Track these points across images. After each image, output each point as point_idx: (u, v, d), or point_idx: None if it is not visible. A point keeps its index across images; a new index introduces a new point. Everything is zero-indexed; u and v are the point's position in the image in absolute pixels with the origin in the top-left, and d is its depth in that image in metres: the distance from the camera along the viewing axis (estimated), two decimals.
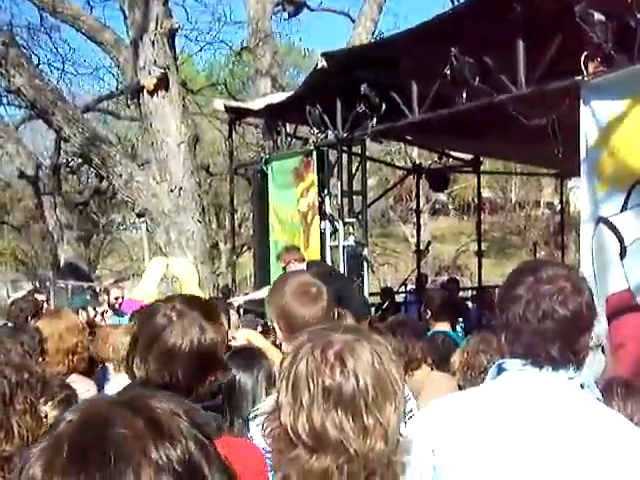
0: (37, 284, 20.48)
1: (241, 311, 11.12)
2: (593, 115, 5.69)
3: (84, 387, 4.07)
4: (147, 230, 12.14)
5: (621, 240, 5.48)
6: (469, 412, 2.28)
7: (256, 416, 3.09)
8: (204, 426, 1.10)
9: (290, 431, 1.82)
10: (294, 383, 1.84)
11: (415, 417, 2.41)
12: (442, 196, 35.96)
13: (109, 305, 9.85)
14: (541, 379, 2.22)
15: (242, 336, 5.07)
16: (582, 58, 5.61)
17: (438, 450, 2.23)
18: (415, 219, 16.78)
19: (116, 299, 9.92)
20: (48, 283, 18.51)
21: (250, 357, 3.57)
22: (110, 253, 35.14)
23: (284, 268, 9.16)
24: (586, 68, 5.64)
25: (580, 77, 5.69)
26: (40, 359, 4.21)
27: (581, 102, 5.76)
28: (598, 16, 5.41)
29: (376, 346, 1.90)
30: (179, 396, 2.33)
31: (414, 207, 18.78)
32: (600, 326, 5.34)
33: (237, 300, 7.85)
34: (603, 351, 5.41)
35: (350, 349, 1.86)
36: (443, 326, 7.02)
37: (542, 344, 2.21)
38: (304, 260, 9.29)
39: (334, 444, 1.78)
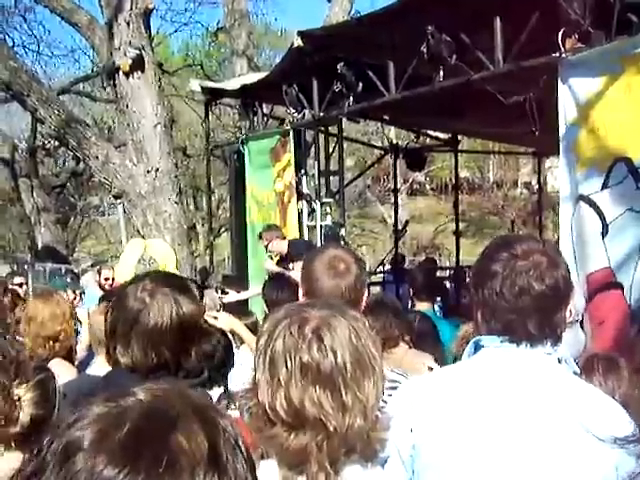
0: (15, 267, 20.35)
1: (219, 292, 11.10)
2: (571, 92, 5.66)
3: (63, 372, 4.02)
4: (124, 212, 12.06)
5: (602, 218, 5.46)
6: (447, 390, 2.27)
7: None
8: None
9: (268, 409, 1.81)
10: (271, 360, 1.83)
11: (396, 391, 2.39)
12: (420, 176, 35.95)
13: (99, 285, 9.83)
14: (519, 355, 2.21)
15: (226, 324, 5.06)
16: (559, 35, 5.58)
17: (416, 428, 2.22)
18: (393, 199, 16.75)
19: (106, 280, 9.89)
20: (26, 266, 18.39)
21: None
22: (88, 235, 34.95)
23: (266, 247, 9.17)
24: (564, 45, 5.61)
25: (557, 54, 5.67)
26: (16, 339, 4.16)
27: (559, 79, 5.74)
28: None
29: (353, 322, 1.89)
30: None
31: (392, 187, 18.76)
32: (578, 303, 5.37)
33: (229, 298, 7.80)
34: (582, 328, 5.43)
35: (327, 325, 1.85)
36: (424, 306, 7.04)
37: (519, 320, 2.19)
38: (285, 238, 9.29)
39: (312, 421, 1.78)
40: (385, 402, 1.99)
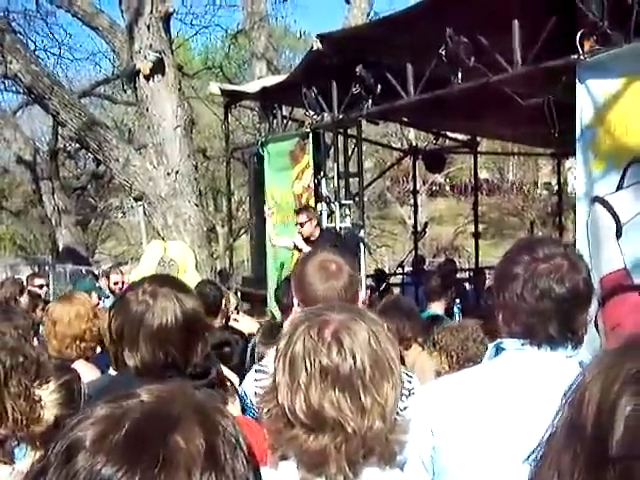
0: (36, 269, 20.50)
1: (239, 294, 11.15)
2: (589, 94, 5.67)
3: (86, 372, 4.06)
4: (144, 214, 12.12)
5: (617, 219, 5.47)
6: (468, 392, 2.28)
7: (258, 371, 3.11)
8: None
9: (288, 411, 1.82)
10: (291, 363, 1.84)
11: (415, 396, 2.41)
12: (439, 178, 35.90)
13: (109, 289, 9.88)
14: (540, 358, 2.22)
15: (247, 327, 5.11)
16: (578, 36, 5.58)
17: (437, 430, 2.24)
18: (412, 201, 16.74)
19: (115, 284, 9.94)
20: (47, 268, 18.53)
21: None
22: (108, 237, 35.17)
23: (301, 224, 9.10)
24: (582, 47, 5.62)
25: (576, 56, 5.67)
26: (35, 341, 4.20)
27: (577, 81, 5.75)
28: None
29: (372, 325, 1.91)
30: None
31: (411, 188, 18.74)
32: (595, 304, 5.36)
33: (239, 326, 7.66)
34: (597, 329, 5.41)
35: (347, 328, 1.86)
36: (438, 307, 7.07)
37: (540, 323, 2.20)
38: (319, 224, 9.28)
39: (332, 423, 1.79)
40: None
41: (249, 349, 5.16)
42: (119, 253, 33.10)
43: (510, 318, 2.27)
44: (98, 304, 9.33)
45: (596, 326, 5.39)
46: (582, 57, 5.65)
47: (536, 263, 2.22)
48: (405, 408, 2.02)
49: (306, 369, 1.81)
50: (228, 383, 2.94)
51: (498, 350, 2.31)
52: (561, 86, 5.99)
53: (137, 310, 2.52)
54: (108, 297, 10.17)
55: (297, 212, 9.41)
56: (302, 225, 9.07)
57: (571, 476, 1.03)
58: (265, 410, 1.90)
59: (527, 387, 2.20)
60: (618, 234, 5.45)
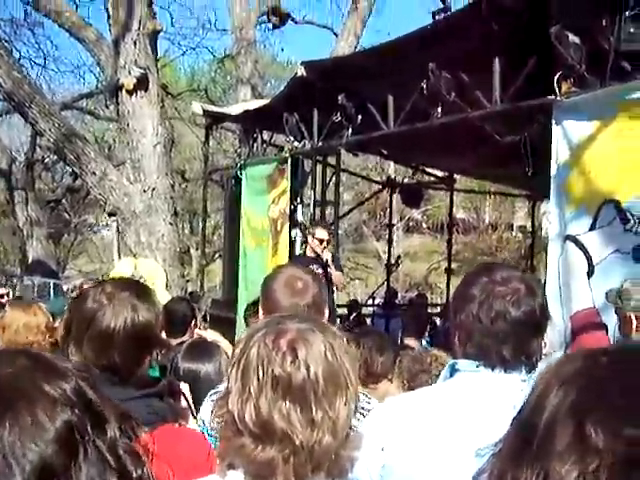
0: (3, 280, 20.30)
1: (207, 316, 11.11)
2: (564, 134, 5.75)
3: None
4: (117, 230, 12.07)
5: (589, 259, 5.53)
6: (421, 412, 2.28)
7: (213, 398, 3.09)
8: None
9: (237, 419, 1.80)
10: (244, 370, 1.82)
11: (368, 414, 2.40)
12: (416, 214, 36.04)
13: None
14: (493, 380, 2.23)
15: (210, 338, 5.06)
16: (555, 78, 5.67)
17: (388, 448, 2.23)
18: (388, 235, 16.79)
19: None
20: (15, 279, 18.36)
21: (210, 349, 3.57)
22: (80, 254, 34.88)
23: (320, 240, 8.92)
24: (559, 88, 5.70)
25: (553, 97, 5.75)
26: None
27: (553, 121, 5.83)
28: (572, 38, 5.48)
29: (330, 337, 1.88)
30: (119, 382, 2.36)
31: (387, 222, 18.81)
32: (559, 338, 5.41)
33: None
34: None
35: (303, 338, 1.83)
36: (412, 341, 7.09)
37: (494, 345, 2.22)
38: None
39: (280, 435, 1.76)
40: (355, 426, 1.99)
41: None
42: (90, 270, 32.81)
43: (465, 339, 2.29)
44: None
45: None
46: (559, 98, 5.73)
47: (493, 285, 2.24)
48: (356, 426, 2.00)
49: (258, 377, 1.79)
50: (183, 397, 2.91)
51: (453, 371, 2.32)
52: (537, 126, 6.06)
53: (90, 308, 2.47)
54: None
55: (310, 224, 9.39)
56: (328, 242, 8.97)
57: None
58: (217, 417, 1.89)
59: (479, 409, 2.20)
60: (589, 273, 5.52)
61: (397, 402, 2.43)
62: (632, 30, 5.23)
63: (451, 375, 2.32)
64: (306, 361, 1.80)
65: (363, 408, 2.59)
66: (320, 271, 8.41)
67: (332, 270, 8.48)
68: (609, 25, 5.33)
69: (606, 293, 4.38)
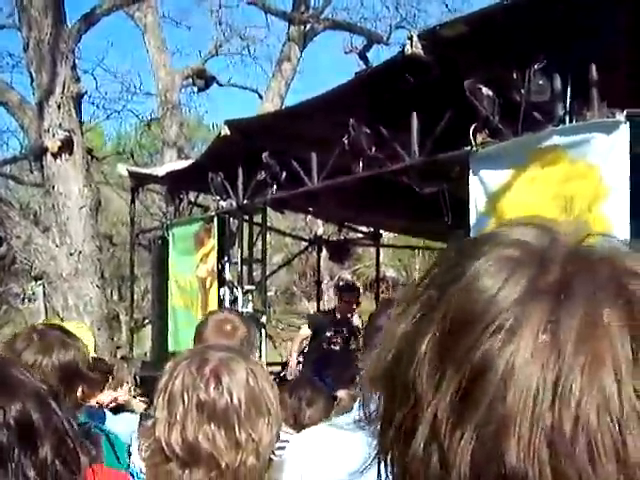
0: None
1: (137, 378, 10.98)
2: (481, 184, 5.96)
3: None
4: (44, 295, 11.92)
5: None
6: (341, 441, 2.35)
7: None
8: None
9: (164, 445, 1.85)
10: (170, 398, 1.89)
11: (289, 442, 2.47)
12: (346, 274, 36.22)
13: None
14: None
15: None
16: (471, 130, 5.90)
17: (307, 475, 2.29)
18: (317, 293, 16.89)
19: None
20: None
21: None
22: (6, 323, 34.09)
23: (352, 305, 9.08)
24: (474, 139, 5.92)
25: (469, 147, 5.98)
26: None
27: (470, 172, 6.04)
28: (486, 91, 5.73)
29: (252, 365, 1.97)
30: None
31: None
32: None
33: None
34: None
35: (226, 366, 1.91)
36: (343, 393, 7.13)
37: None
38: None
39: (206, 457, 1.82)
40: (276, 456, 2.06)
41: None
42: None
43: None
44: None
45: None
46: (474, 149, 5.95)
47: None
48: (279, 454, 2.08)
49: (184, 403, 1.86)
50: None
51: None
52: (455, 176, 6.28)
53: (20, 345, 2.59)
54: None
55: (346, 289, 9.51)
56: (357, 304, 9.14)
57: None
58: (144, 446, 1.94)
59: None
60: None
61: (318, 431, 2.51)
62: (541, 82, 5.48)
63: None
64: (229, 387, 1.88)
65: (286, 440, 2.67)
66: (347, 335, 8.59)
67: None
68: (519, 78, 5.58)
69: None
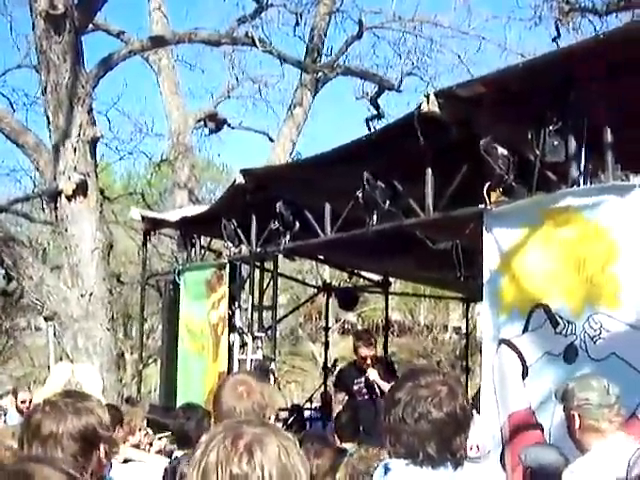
0: None
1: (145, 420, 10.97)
2: (495, 242, 6.02)
3: None
4: (54, 335, 11.97)
5: (523, 360, 5.77)
6: None
7: None
8: None
9: None
10: (204, 471, 1.94)
11: None
12: (352, 317, 36.19)
13: (17, 408, 9.72)
14: (422, 476, 2.41)
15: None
16: (485, 188, 5.98)
17: None
18: (324, 338, 16.89)
19: (23, 402, 9.80)
20: None
21: None
22: (11, 358, 34.06)
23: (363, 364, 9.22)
24: (489, 197, 6.00)
25: (483, 205, 6.05)
26: None
27: (484, 229, 6.11)
28: (501, 150, 5.81)
29: (284, 440, 2.02)
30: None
31: (323, 326, 18.92)
32: (495, 438, 5.56)
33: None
34: (504, 467, 5.57)
35: (259, 441, 1.97)
36: (348, 445, 7.13)
37: (419, 443, 2.42)
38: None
39: None
40: None
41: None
42: (21, 375, 32.03)
43: (395, 440, 2.49)
44: None
45: (502, 464, 5.57)
46: (489, 207, 6.02)
47: (417, 389, 2.46)
48: None
49: (217, 476, 1.92)
50: None
51: (386, 470, 2.50)
52: (469, 233, 6.34)
53: (36, 417, 2.74)
54: (6, 413, 10.02)
55: (359, 340, 9.61)
56: (373, 360, 9.31)
57: None
58: None
59: None
60: (524, 375, 5.74)
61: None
62: (555, 143, 5.56)
63: (385, 473, 2.50)
64: (261, 462, 1.94)
65: None
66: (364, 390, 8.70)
67: (382, 385, 8.76)
68: (534, 138, 5.67)
69: (555, 392, 4.60)
